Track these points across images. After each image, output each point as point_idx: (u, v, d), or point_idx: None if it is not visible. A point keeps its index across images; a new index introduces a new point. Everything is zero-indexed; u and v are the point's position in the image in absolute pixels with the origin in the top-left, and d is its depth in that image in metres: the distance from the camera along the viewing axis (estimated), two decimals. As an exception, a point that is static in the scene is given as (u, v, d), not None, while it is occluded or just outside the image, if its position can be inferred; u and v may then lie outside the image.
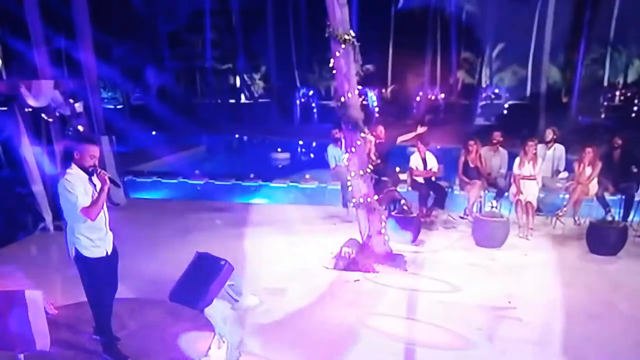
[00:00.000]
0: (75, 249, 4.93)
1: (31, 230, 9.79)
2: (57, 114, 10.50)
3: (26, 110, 9.70)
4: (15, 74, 10.99)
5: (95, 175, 4.86)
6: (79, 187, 4.76)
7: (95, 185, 4.88)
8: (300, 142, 25.06)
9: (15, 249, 9.10)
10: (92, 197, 4.83)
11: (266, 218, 10.70)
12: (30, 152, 9.61)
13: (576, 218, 10.03)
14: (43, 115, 10.36)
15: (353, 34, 7.66)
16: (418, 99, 34.11)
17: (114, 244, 5.24)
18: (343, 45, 7.60)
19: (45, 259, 8.42)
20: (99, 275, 5.02)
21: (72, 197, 4.74)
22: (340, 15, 7.55)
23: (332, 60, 7.81)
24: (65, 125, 11.16)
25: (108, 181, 4.85)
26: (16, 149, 9.65)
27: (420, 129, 10.91)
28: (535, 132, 16.34)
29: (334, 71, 7.87)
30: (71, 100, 10.38)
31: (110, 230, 5.18)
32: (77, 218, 4.82)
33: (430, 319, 6.39)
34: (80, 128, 10.53)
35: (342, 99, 7.81)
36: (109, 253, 5.13)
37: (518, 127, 18.94)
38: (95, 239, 4.96)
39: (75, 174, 4.81)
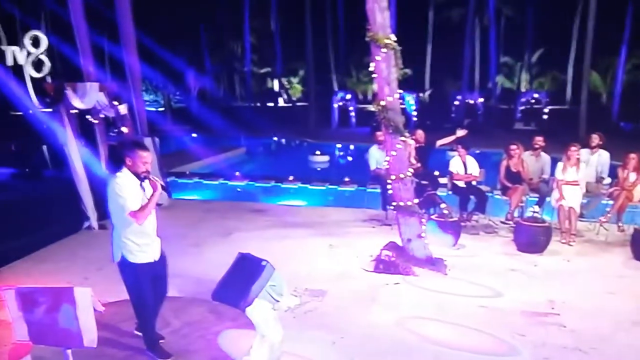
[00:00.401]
0: (121, 253, 4.97)
1: (76, 229, 10.00)
2: (102, 116, 10.73)
3: (72, 112, 9.92)
4: (61, 76, 11.25)
5: (147, 180, 4.88)
6: (128, 190, 4.77)
7: (144, 190, 4.89)
8: (338, 146, 25.14)
9: (60, 247, 9.27)
10: (142, 201, 4.85)
11: (306, 220, 10.76)
12: (76, 152, 9.83)
13: (620, 224, 9.88)
14: (88, 117, 10.60)
15: (394, 38, 7.67)
16: (456, 103, 33.88)
17: (162, 251, 5.28)
18: (384, 50, 7.60)
19: (89, 257, 8.56)
20: (143, 280, 5.03)
21: (121, 200, 4.76)
22: (381, 19, 7.56)
23: (372, 64, 7.81)
24: (110, 127, 11.38)
25: (160, 188, 4.89)
26: (62, 149, 9.89)
27: (460, 132, 10.86)
28: (576, 138, 16.13)
29: (374, 75, 7.85)
30: (115, 103, 10.58)
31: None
32: (125, 222, 4.84)
33: (471, 324, 6.34)
34: (124, 130, 10.73)
35: (383, 103, 7.81)
36: (156, 259, 5.15)
37: (558, 132, 18.77)
38: (142, 244, 4.97)
39: (125, 177, 4.83)
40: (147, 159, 4.89)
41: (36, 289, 4.53)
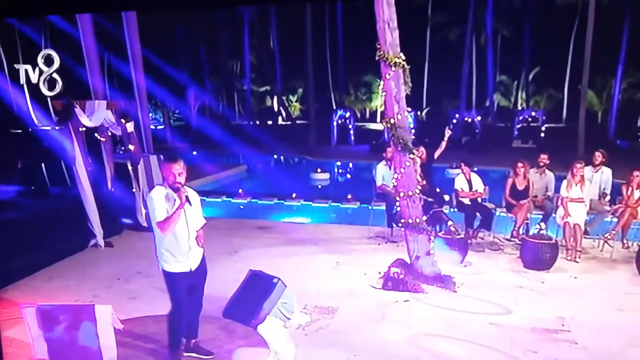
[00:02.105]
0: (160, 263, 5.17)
1: (82, 247, 9.99)
2: (109, 134, 10.77)
3: (80, 129, 9.96)
4: (70, 94, 11.30)
5: (179, 192, 5.00)
6: (159, 204, 4.95)
7: (169, 200, 5.02)
8: (338, 163, 25.27)
9: (67, 265, 9.25)
10: (166, 212, 4.98)
11: (311, 237, 10.76)
12: (83, 169, 9.84)
13: (624, 241, 9.92)
14: (96, 134, 10.65)
15: (403, 57, 7.76)
16: (454, 121, 34.03)
17: (204, 262, 5.41)
18: (393, 68, 7.70)
19: (97, 275, 8.59)
20: (178, 289, 5.18)
21: (153, 214, 4.97)
22: (391, 38, 7.68)
23: (381, 83, 7.91)
24: (117, 145, 11.39)
25: (185, 201, 4.98)
26: (70, 166, 9.92)
27: (447, 133, 10.98)
28: (574, 156, 16.20)
29: (384, 93, 7.95)
30: (123, 120, 10.63)
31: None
32: (159, 234, 5.04)
33: (483, 341, 6.34)
34: (131, 147, 10.77)
35: (392, 121, 7.88)
36: (193, 269, 5.26)
37: (556, 150, 18.85)
38: (177, 254, 5.11)
39: (157, 191, 5.02)
40: (177, 169, 5.01)
41: (57, 306, 4.56)
